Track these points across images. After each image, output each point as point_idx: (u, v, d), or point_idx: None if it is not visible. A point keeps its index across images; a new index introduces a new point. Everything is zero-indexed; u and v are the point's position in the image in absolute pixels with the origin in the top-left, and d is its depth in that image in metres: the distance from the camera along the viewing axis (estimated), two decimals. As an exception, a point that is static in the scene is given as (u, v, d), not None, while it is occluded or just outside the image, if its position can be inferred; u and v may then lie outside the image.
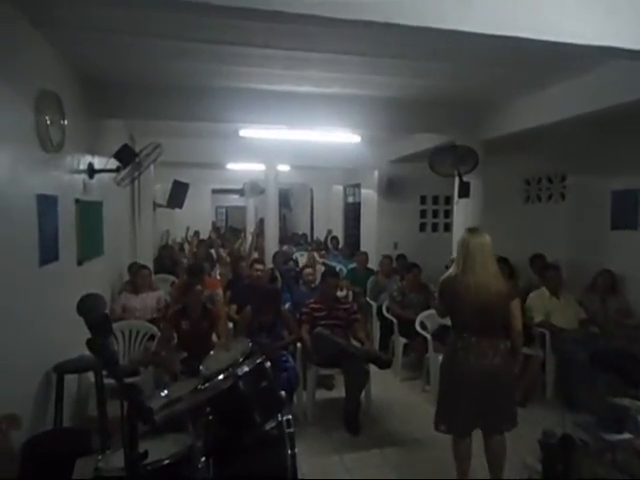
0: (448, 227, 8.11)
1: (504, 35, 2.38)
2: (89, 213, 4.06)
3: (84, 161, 4.04)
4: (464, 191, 5.08)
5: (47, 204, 3.05)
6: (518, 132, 4.77)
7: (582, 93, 3.90)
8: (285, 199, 14.44)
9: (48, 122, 3.04)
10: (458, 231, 5.35)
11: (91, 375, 3.34)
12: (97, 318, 1.28)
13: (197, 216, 11.97)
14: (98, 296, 1.39)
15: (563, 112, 4.12)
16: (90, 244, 4.08)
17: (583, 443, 2.85)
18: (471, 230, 2.90)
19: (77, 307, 1.30)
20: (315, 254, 8.95)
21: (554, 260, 5.33)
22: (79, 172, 3.91)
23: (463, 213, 5.35)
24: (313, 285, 5.53)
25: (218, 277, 6.68)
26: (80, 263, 3.80)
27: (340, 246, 10.41)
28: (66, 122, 3.34)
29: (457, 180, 5.11)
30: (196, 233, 11.08)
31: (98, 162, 4.35)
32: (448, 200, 8.16)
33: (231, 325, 4.77)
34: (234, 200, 16.08)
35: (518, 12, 2.39)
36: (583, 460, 2.78)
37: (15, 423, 1.43)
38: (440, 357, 3.30)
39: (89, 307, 1.30)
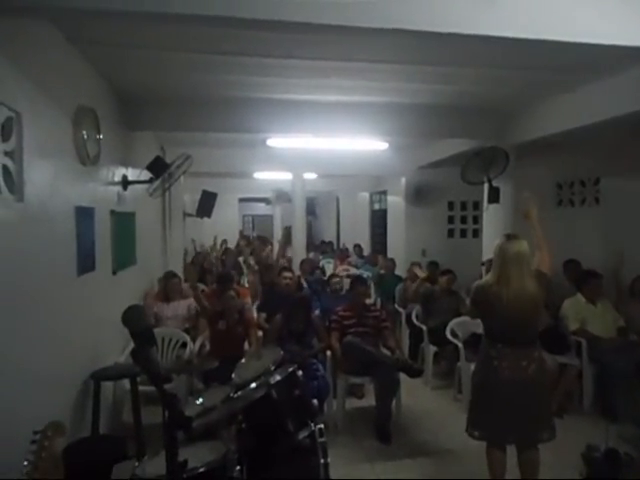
0: (477, 233, 8.00)
1: (536, 39, 2.35)
2: (123, 224, 4.16)
3: (118, 173, 4.15)
4: (494, 196, 5.00)
5: (85, 216, 3.14)
6: (549, 136, 4.68)
7: (616, 95, 3.80)
8: (311, 207, 14.49)
9: (85, 136, 3.14)
10: (488, 237, 5.27)
11: (126, 382, 3.41)
12: (141, 329, 1.31)
13: (225, 225, 12.13)
14: (141, 307, 1.42)
15: (596, 114, 4.01)
16: (124, 254, 4.18)
17: (628, 457, 2.74)
18: (509, 237, 2.84)
19: (122, 318, 1.34)
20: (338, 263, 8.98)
21: (591, 267, 5.18)
22: (114, 184, 4.02)
23: (493, 219, 5.26)
24: (340, 293, 5.54)
25: (247, 285, 6.75)
26: (115, 272, 3.89)
27: (365, 253, 10.41)
28: (101, 136, 3.44)
29: (486, 186, 5.04)
30: (224, 241, 11.21)
31: (131, 174, 4.47)
32: (476, 206, 8.06)
33: (260, 333, 4.80)
34: (261, 208, 16.23)
35: (551, 15, 2.36)
36: (630, 475, 2.67)
37: (61, 431, 1.47)
38: (472, 366, 3.24)
39: (134, 318, 1.34)
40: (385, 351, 4.24)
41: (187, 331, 4.62)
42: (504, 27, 2.34)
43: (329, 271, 8.05)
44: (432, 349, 5.03)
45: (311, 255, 9.14)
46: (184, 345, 4.35)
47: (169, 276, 5.21)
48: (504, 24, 2.34)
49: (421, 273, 5.82)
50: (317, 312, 4.58)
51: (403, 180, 8.33)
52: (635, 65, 3.49)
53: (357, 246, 10.62)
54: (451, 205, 8.44)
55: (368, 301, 5.00)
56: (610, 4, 2.41)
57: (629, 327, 4.46)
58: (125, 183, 4.26)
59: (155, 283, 5.76)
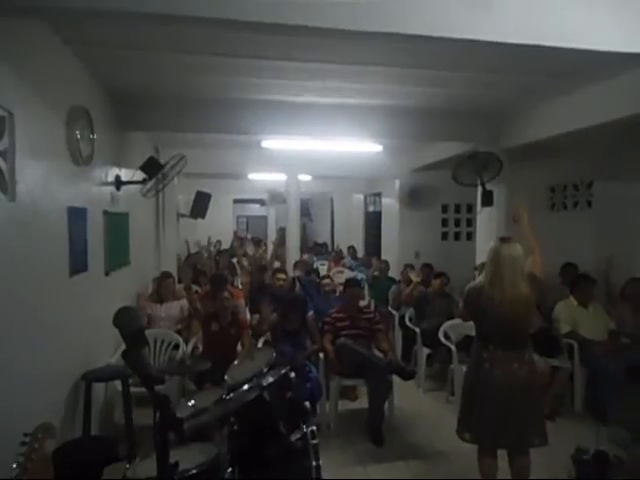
0: (470, 236, 8.03)
1: (530, 44, 2.37)
2: (116, 224, 4.14)
3: (111, 173, 4.13)
4: (487, 200, 5.02)
5: (77, 216, 3.13)
6: (543, 139, 4.70)
7: (609, 99, 3.83)
8: (305, 208, 14.49)
9: (78, 136, 3.13)
10: (482, 240, 5.29)
11: (118, 383, 3.39)
12: (132, 330, 1.30)
13: (219, 226, 12.09)
14: (133, 308, 1.42)
15: (590, 119, 4.04)
16: (117, 255, 4.16)
17: (618, 460, 2.76)
18: (503, 240, 2.84)
19: (113, 319, 1.33)
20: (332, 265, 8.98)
21: (583, 270, 5.22)
22: (107, 184, 4.00)
23: (486, 222, 5.28)
24: (334, 295, 5.54)
25: (240, 286, 6.73)
26: (107, 273, 3.88)
27: (359, 255, 10.42)
28: (95, 136, 3.43)
29: (480, 189, 5.06)
30: (218, 242, 11.18)
31: (125, 174, 4.45)
32: (470, 208, 8.08)
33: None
34: (255, 210, 16.22)
35: (544, 20, 2.37)
36: (618, 478, 2.69)
37: (51, 432, 1.46)
38: (464, 368, 3.25)
39: (125, 320, 1.33)
40: (378, 353, 4.25)
41: (180, 332, 4.60)
42: (499, 32, 2.36)
43: (323, 273, 8.04)
44: (425, 351, 5.04)
45: (305, 257, 9.13)
46: (177, 346, 4.33)
47: (163, 276, 5.20)
48: (499, 29, 2.35)
49: (416, 277, 5.84)
50: (311, 313, 4.58)
51: (397, 182, 8.35)
52: (628, 70, 3.52)
53: (351, 248, 10.63)
54: (445, 208, 8.46)
55: (362, 303, 5.01)
56: (604, 10, 2.43)
57: (620, 330, 4.50)
58: (118, 183, 4.24)
59: (149, 284, 5.74)
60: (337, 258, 10.09)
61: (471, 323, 2.99)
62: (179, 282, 5.53)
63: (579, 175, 6.25)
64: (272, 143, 6.08)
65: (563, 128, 4.38)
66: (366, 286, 7.12)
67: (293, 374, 2.69)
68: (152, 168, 4.40)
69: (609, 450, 2.86)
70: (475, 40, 2.35)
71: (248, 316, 5.06)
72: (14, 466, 1.42)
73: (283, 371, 2.64)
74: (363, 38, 2.46)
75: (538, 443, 2.72)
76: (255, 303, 5.26)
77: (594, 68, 3.49)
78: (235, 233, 13.35)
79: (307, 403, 2.75)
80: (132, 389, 3.28)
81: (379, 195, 9.93)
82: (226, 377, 2.79)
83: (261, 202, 14.24)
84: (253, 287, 5.89)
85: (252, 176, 9.22)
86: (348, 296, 4.47)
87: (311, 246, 12.96)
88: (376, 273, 7.61)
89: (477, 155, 4.79)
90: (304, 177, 8.90)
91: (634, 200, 5.19)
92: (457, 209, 8.49)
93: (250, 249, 10.14)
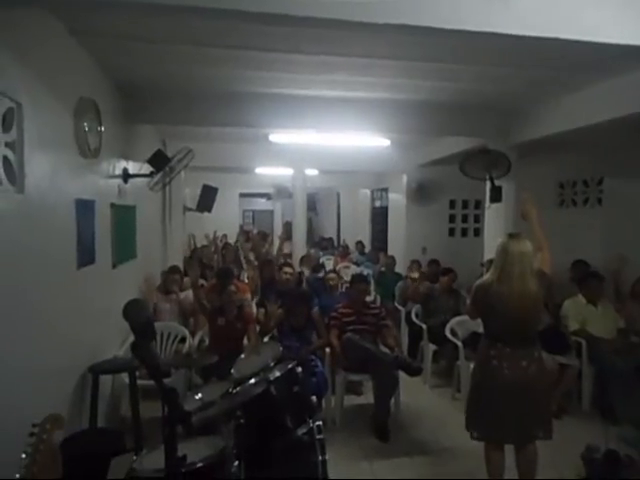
0: (478, 232, 7.98)
1: (543, 37, 2.33)
2: (123, 217, 4.15)
3: (119, 166, 4.13)
4: (496, 195, 4.98)
5: (85, 209, 3.13)
6: (553, 135, 4.65)
7: (621, 95, 3.78)
8: (312, 203, 14.46)
9: (86, 129, 3.12)
10: (490, 236, 5.26)
11: (125, 376, 3.40)
12: (142, 323, 1.30)
13: (225, 220, 12.08)
14: (142, 301, 1.42)
15: (601, 114, 3.99)
16: (124, 247, 4.16)
17: (629, 459, 2.73)
18: (512, 236, 2.81)
19: (123, 312, 1.33)
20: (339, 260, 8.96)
21: (592, 268, 5.17)
22: (114, 177, 4.00)
23: (495, 218, 5.24)
24: (339, 291, 5.53)
25: (246, 281, 6.73)
26: (114, 266, 3.88)
27: (367, 250, 10.39)
28: (103, 128, 3.42)
29: (488, 184, 5.02)
30: (224, 236, 11.18)
31: (132, 167, 4.45)
32: (478, 204, 8.04)
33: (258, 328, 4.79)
34: (261, 204, 16.21)
35: (557, 13, 2.34)
36: (630, 477, 2.66)
37: (59, 423, 1.46)
38: (471, 365, 3.23)
39: (134, 312, 1.33)
40: (384, 349, 4.24)
41: (186, 325, 4.62)
42: (512, 24, 2.32)
43: (329, 268, 8.03)
44: (431, 348, 5.02)
45: (312, 251, 9.12)
46: (183, 339, 4.34)
47: (171, 271, 5.22)
48: (512, 21, 2.32)
49: (413, 274, 5.78)
50: (316, 309, 4.58)
51: (404, 177, 8.31)
52: (640, 65, 3.46)
53: (359, 243, 10.60)
54: (452, 203, 8.42)
55: (368, 298, 5.00)
56: (619, 2, 2.39)
57: (629, 329, 4.46)
58: (126, 176, 4.24)
59: (156, 277, 5.75)
60: (343, 253, 10.06)
61: (478, 320, 2.97)
62: (185, 275, 5.56)
63: (589, 171, 6.19)
64: (279, 137, 6.06)
65: (573, 124, 4.33)
66: (372, 281, 7.11)
67: (300, 369, 2.68)
68: (159, 161, 4.40)
69: (618, 449, 2.83)
70: (489, 33, 2.32)
71: (254, 310, 5.05)
72: (23, 456, 1.43)
73: (290, 365, 2.63)
74: (373, 30, 2.42)
75: (542, 436, 2.71)
76: (264, 297, 5.25)
77: (606, 63, 3.43)
78: (241, 227, 13.34)
79: (313, 397, 2.74)
80: (139, 381, 3.29)
81: (386, 190, 9.89)
82: (232, 371, 2.79)
83: (267, 196, 14.22)
84: (263, 281, 5.87)
85: (259, 170, 9.21)
86: (354, 291, 4.46)
87: (317, 241, 12.94)
88: (383, 269, 7.59)
89: (488, 152, 4.75)
90: (311, 171, 8.87)
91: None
92: (465, 205, 8.44)
93: (257, 243, 10.11)
